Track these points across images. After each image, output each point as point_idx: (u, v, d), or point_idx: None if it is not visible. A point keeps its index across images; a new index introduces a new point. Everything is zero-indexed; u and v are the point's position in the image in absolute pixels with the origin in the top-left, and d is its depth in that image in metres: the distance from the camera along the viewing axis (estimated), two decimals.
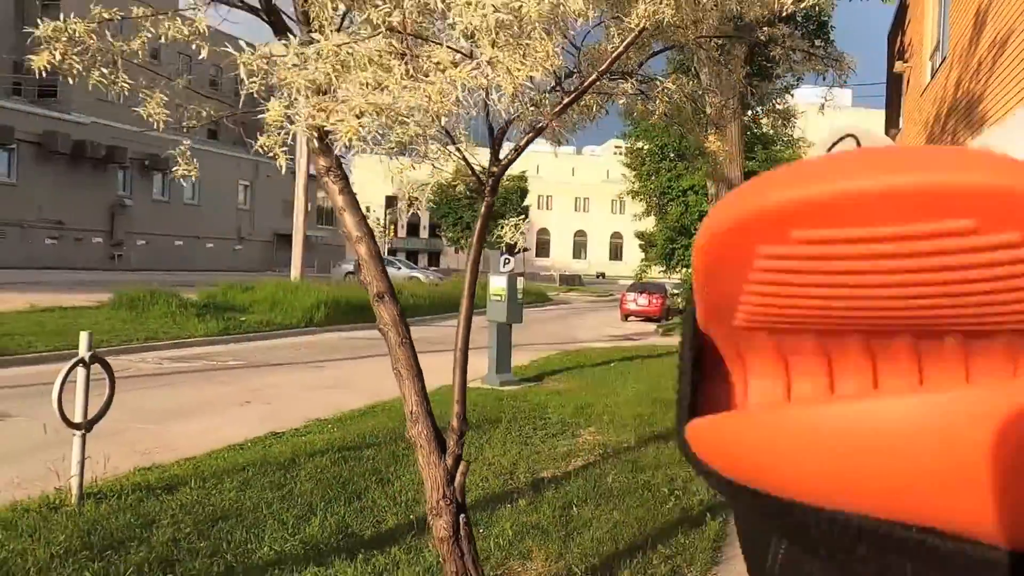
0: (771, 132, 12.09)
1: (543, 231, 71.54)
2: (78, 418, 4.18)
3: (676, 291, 24.92)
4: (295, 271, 19.94)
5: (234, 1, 2.60)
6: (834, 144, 0.36)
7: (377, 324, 2.85)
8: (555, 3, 1.73)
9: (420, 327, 19.16)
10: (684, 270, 20.95)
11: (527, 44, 1.78)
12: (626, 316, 23.29)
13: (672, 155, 15.37)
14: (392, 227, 55.71)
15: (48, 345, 11.34)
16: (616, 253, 74.64)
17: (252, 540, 3.87)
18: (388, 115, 2.05)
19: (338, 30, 2.50)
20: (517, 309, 9.58)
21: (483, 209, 2.80)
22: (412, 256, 63.46)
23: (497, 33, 1.64)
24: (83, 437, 4.20)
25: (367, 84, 2.08)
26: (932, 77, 10.04)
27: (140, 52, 2.67)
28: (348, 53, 1.80)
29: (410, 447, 5.85)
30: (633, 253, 64.37)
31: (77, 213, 30.21)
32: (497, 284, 9.56)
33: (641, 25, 2.43)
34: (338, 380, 10.23)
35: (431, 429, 2.82)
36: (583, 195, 72.26)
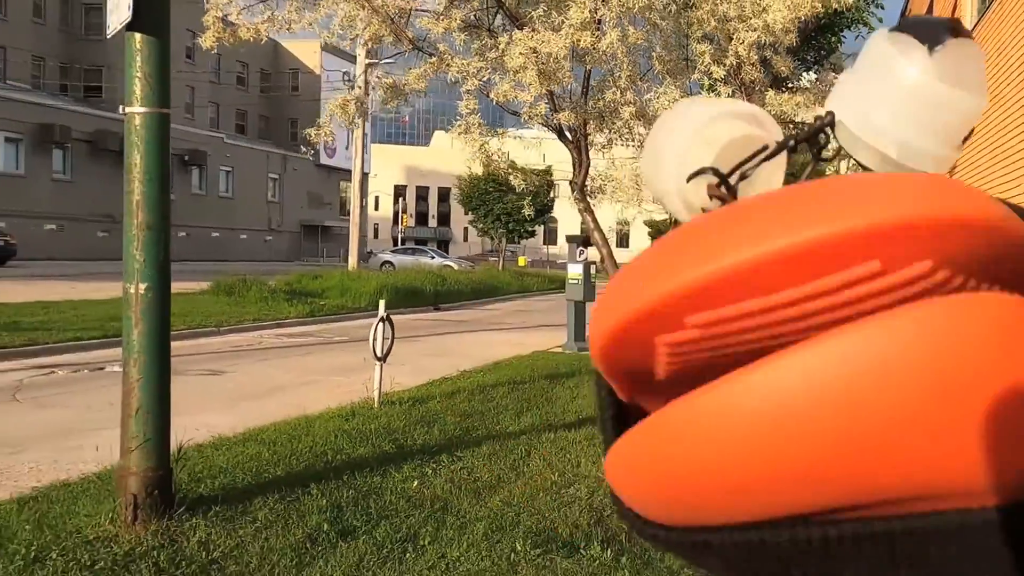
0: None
1: (551, 219, 74.13)
2: (379, 352, 6.93)
3: None
4: (352, 260, 22.71)
5: (549, 125, 5.30)
6: (694, 175, 0.30)
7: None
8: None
9: (468, 311, 22.08)
10: None
11: None
12: None
13: None
14: (404, 216, 58.22)
15: (187, 324, 14.01)
16: (622, 241, 77.40)
17: (495, 425, 6.62)
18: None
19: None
20: (591, 289, 12.36)
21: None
22: (421, 243, 65.95)
23: None
24: (381, 366, 6.95)
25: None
26: None
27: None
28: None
29: (549, 383, 8.60)
30: (639, 240, 67.19)
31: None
32: (574, 270, 12.33)
33: None
34: (440, 350, 12.85)
35: None
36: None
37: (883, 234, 0.21)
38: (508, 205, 31.25)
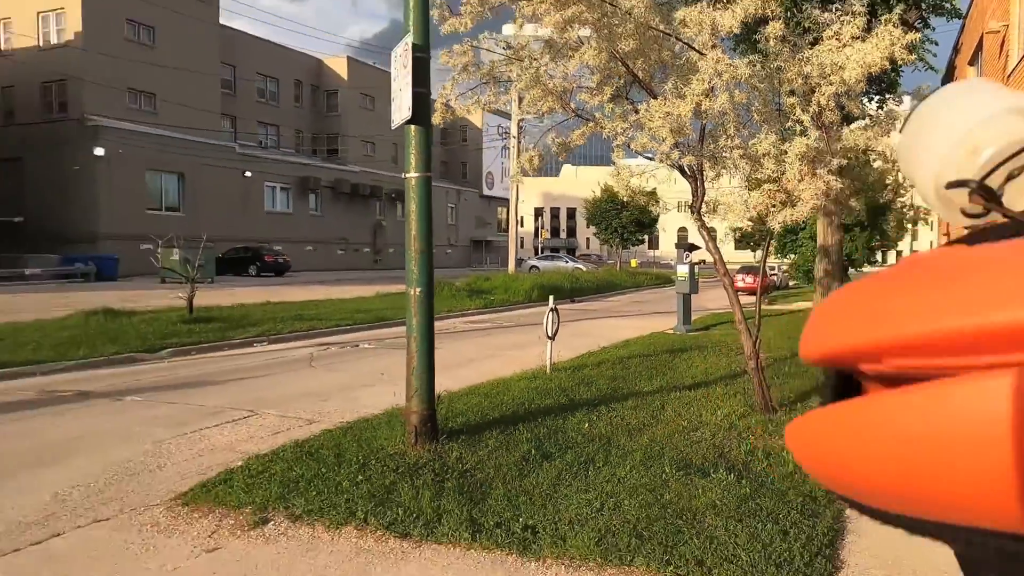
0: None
1: (655, 228, 72.33)
2: (550, 333, 7.31)
3: (772, 273, 26.49)
4: (510, 266, 23.41)
5: (675, 165, 5.46)
6: (954, 185, 0.24)
7: (723, 284, 5.65)
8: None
9: (596, 302, 22.09)
10: (791, 256, 22.67)
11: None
12: (736, 291, 25.11)
13: None
14: (542, 230, 58.78)
15: (401, 317, 15.06)
16: None
17: (634, 386, 6.81)
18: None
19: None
20: (695, 284, 12.23)
21: (766, 246, 5.49)
22: (556, 251, 66.24)
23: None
24: (551, 344, 7.33)
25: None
26: None
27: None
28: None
29: (669, 355, 8.61)
30: (724, 245, 64.27)
31: (354, 232, 35.71)
32: (682, 270, 12.23)
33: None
34: (582, 332, 12.89)
35: (746, 327, 5.58)
36: (684, 199, 72.55)
37: None
38: (624, 220, 31.04)
